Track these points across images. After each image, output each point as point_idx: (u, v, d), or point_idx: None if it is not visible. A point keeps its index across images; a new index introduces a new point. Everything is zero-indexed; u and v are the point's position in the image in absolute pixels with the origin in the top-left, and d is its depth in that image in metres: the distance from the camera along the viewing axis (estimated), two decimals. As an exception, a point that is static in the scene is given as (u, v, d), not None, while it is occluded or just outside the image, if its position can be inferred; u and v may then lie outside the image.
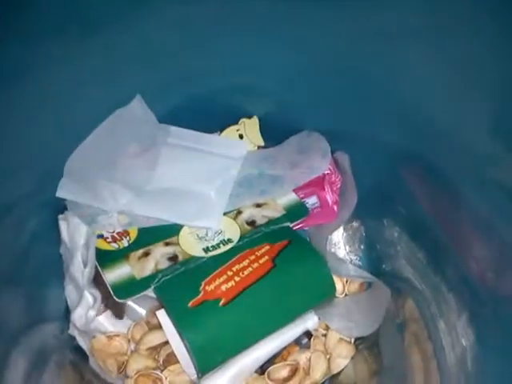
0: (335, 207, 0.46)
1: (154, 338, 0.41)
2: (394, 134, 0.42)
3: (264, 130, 0.49)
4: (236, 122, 0.49)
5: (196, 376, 0.39)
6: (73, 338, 0.42)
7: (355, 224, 0.48)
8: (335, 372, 0.43)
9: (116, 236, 0.42)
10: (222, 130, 0.49)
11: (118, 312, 0.43)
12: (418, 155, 0.40)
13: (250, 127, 0.49)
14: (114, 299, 0.39)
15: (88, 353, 0.42)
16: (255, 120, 0.49)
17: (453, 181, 0.37)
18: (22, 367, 0.36)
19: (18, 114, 0.38)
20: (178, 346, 0.39)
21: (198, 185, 0.45)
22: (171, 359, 0.41)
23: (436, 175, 0.39)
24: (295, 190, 0.46)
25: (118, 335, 0.42)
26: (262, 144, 0.49)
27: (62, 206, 0.43)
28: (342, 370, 0.43)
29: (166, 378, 0.40)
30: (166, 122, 0.48)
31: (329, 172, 0.46)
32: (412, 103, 0.39)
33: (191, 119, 0.48)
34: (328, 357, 0.43)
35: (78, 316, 0.41)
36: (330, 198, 0.46)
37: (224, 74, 0.44)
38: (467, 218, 0.37)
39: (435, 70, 0.36)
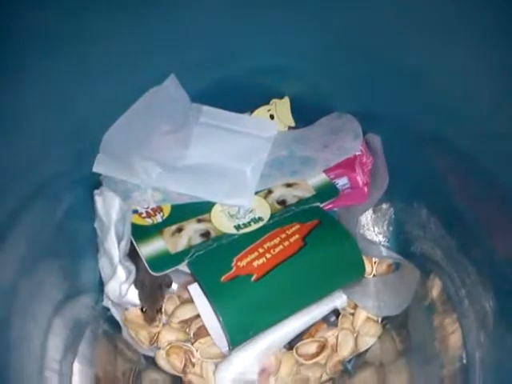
0: (366, 189, 0.46)
1: (186, 312, 0.42)
2: (426, 116, 0.41)
3: (295, 111, 0.49)
4: (267, 103, 0.49)
5: (227, 349, 0.40)
6: (107, 310, 0.43)
7: (385, 206, 0.48)
8: (362, 350, 0.43)
9: (150, 212, 0.43)
10: (253, 110, 0.50)
11: (151, 318, 0.43)
12: (450, 138, 0.40)
13: (281, 108, 0.49)
14: (149, 303, 0.41)
15: (121, 324, 0.43)
16: (286, 100, 0.49)
17: (485, 164, 0.37)
18: (62, 337, 0.38)
19: (55, 89, 0.39)
20: (209, 319, 0.40)
21: (233, 163, 0.46)
22: (202, 332, 0.42)
23: (468, 158, 0.39)
24: (326, 171, 0.47)
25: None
26: (293, 124, 0.50)
27: (96, 182, 0.44)
28: (369, 348, 0.43)
29: (197, 351, 0.42)
30: (198, 101, 0.48)
31: (360, 153, 0.46)
32: (445, 85, 0.39)
33: (223, 99, 0.48)
34: (355, 335, 0.43)
35: (111, 289, 0.42)
36: (360, 179, 0.46)
37: (256, 54, 0.45)
38: (499, 202, 0.37)
39: (470, 49, 0.36)
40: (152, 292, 0.42)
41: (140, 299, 0.42)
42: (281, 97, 0.49)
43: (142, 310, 0.43)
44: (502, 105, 0.35)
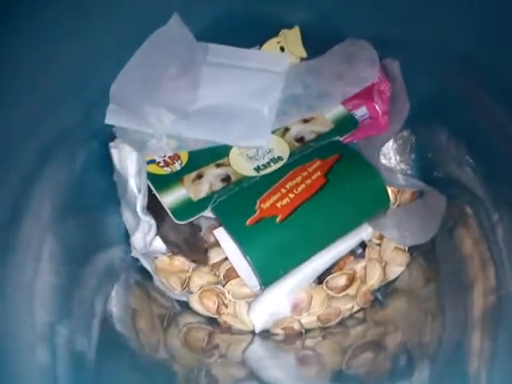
0: (385, 118, 0.45)
1: (214, 256, 0.43)
2: (447, 39, 0.39)
3: (306, 41, 0.47)
4: (276, 34, 0.47)
5: (258, 288, 0.41)
6: (137, 260, 0.44)
7: (405, 133, 0.47)
8: (391, 279, 0.44)
9: (168, 160, 0.43)
10: (262, 44, 0.47)
11: (200, 257, 0.43)
12: (474, 61, 0.38)
13: (292, 38, 0.47)
14: (190, 243, 0.41)
15: (152, 273, 0.44)
16: (296, 30, 0.46)
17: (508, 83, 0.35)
18: (92, 286, 0.38)
19: (56, 40, 0.37)
20: (237, 261, 0.41)
21: (247, 102, 0.44)
22: (231, 274, 0.43)
23: (495, 84, 0.37)
24: (343, 102, 0.45)
25: (178, 254, 0.44)
26: (305, 55, 0.47)
27: (111, 134, 0.43)
28: (398, 277, 0.44)
29: (229, 292, 0.42)
30: (203, 39, 0.46)
31: (378, 81, 0.44)
32: (466, 5, 0.37)
33: (229, 34, 0.46)
34: (383, 264, 0.44)
35: (137, 240, 0.42)
36: (379, 108, 0.45)
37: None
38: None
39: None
40: (195, 240, 0.43)
41: (187, 255, 0.43)
42: (290, 27, 0.46)
43: (193, 261, 0.44)
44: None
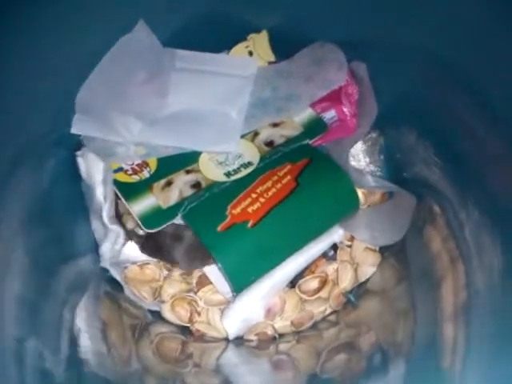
0: (354, 120, 0.45)
1: (186, 263, 0.42)
2: (412, 39, 0.40)
3: (274, 45, 0.47)
4: (244, 39, 0.47)
5: (230, 295, 0.40)
6: (106, 270, 0.43)
7: (374, 135, 0.47)
8: (363, 280, 0.44)
9: (136, 168, 0.42)
10: (230, 49, 0.47)
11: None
12: (441, 61, 0.39)
13: (260, 42, 0.47)
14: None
15: (122, 283, 0.43)
16: (264, 34, 0.46)
17: (480, 88, 0.36)
18: (59, 299, 0.37)
19: (19, 48, 0.37)
20: (209, 268, 0.41)
21: (215, 107, 0.44)
22: (203, 281, 0.42)
23: (462, 82, 0.38)
24: (312, 106, 0.45)
25: (148, 263, 0.43)
26: (273, 59, 0.47)
27: (78, 143, 0.42)
28: (370, 277, 0.44)
29: (201, 299, 0.42)
30: (171, 45, 0.46)
31: (345, 83, 0.45)
32: (433, 5, 0.37)
33: (197, 40, 0.46)
34: (354, 266, 0.44)
35: (106, 250, 0.42)
36: (348, 110, 0.45)
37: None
38: (494, 128, 0.36)
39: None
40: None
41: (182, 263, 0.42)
42: (258, 31, 0.46)
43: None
44: (496, 17, 0.33)
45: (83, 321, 0.38)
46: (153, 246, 0.41)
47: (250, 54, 0.47)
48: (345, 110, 0.45)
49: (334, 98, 0.45)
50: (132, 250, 0.43)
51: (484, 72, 0.35)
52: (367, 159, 0.48)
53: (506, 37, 0.33)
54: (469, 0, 0.36)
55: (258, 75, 0.46)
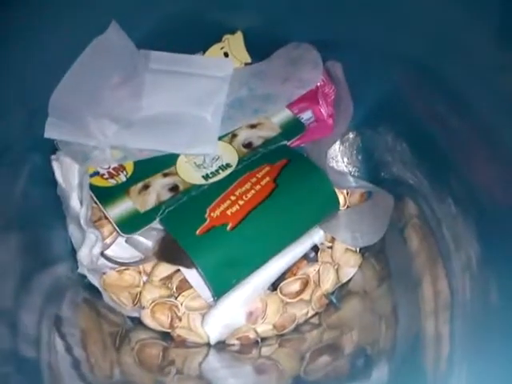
0: (331, 120, 0.45)
1: (165, 269, 0.41)
2: (389, 39, 0.40)
3: (250, 46, 0.46)
4: (219, 40, 0.46)
5: (212, 299, 0.40)
6: (84, 277, 0.42)
7: (351, 135, 0.47)
8: (344, 281, 0.44)
9: (112, 172, 0.41)
10: (205, 50, 0.47)
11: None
12: (417, 60, 0.39)
13: (235, 43, 0.46)
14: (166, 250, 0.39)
15: (100, 289, 0.42)
16: (239, 35, 0.46)
17: (455, 87, 0.36)
18: (36, 307, 0.36)
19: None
20: (190, 273, 0.40)
21: (191, 109, 0.44)
22: (184, 285, 0.42)
23: (437, 83, 0.38)
24: (289, 106, 0.45)
25: (127, 269, 0.43)
26: (249, 60, 0.47)
27: (53, 147, 0.42)
28: (351, 278, 0.44)
29: (182, 304, 0.41)
30: (145, 47, 0.45)
31: (322, 84, 0.45)
32: (409, 7, 0.37)
33: (171, 41, 0.45)
34: (336, 267, 0.44)
35: (83, 255, 0.41)
36: (324, 111, 0.45)
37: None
38: (469, 126, 0.36)
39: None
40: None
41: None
42: (233, 32, 0.46)
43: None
44: (471, 20, 0.34)
45: (61, 329, 0.37)
46: (168, 252, 0.41)
47: (226, 55, 0.47)
48: (322, 110, 0.45)
49: (311, 99, 0.45)
50: (110, 255, 0.43)
51: (460, 73, 0.36)
52: (345, 160, 0.48)
53: (480, 40, 0.34)
54: (446, 6, 0.36)
55: (234, 76, 0.46)
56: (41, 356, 0.33)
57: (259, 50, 0.47)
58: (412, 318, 0.36)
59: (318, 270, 0.43)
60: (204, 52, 0.47)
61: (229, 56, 0.47)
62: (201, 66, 0.46)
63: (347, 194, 0.46)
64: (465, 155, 0.37)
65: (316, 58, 0.45)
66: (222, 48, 0.47)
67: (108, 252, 0.43)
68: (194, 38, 0.45)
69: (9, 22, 0.36)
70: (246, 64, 0.47)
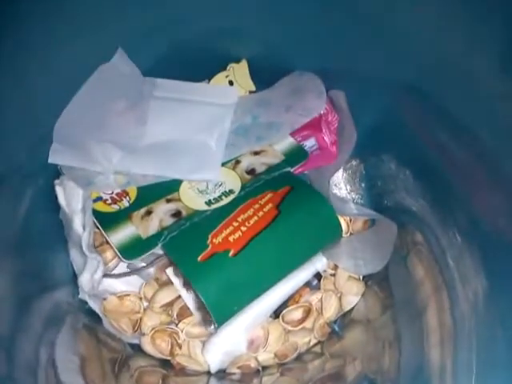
0: (334, 148, 0.45)
1: (166, 295, 0.41)
2: (390, 68, 0.40)
3: (254, 74, 0.47)
4: (224, 68, 0.47)
5: (212, 327, 0.39)
6: (85, 302, 0.41)
7: (354, 162, 0.48)
8: (347, 309, 0.44)
9: (115, 197, 0.42)
10: (210, 78, 0.48)
11: None
12: (419, 89, 0.39)
13: (240, 72, 0.47)
14: None
15: (101, 315, 0.42)
16: (244, 64, 0.47)
17: (457, 115, 0.36)
18: (35, 332, 0.36)
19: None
20: (191, 300, 0.40)
21: (196, 136, 0.44)
22: (184, 312, 0.41)
23: (439, 111, 0.38)
24: (292, 134, 0.45)
25: (128, 295, 0.42)
26: (253, 89, 0.48)
27: (57, 171, 0.42)
28: (354, 307, 0.44)
29: (182, 331, 0.41)
30: (150, 74, 0.46)
31: (325, 112, 0.45)
32: (407, 31, 0.38)
33: (177, 69, 0.46)
34: (338, 295, 0.43)
35: (85, 280, 0.41)
36: (328, 138, 0.45)
37: (205, 18, 0.42)
38: (472, 154, 0.36)
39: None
40: None
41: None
42: (238, 60, 0.47)
43: None
44: (472, 48, 0.34)
45: (60, 356, 0.36)
46: None
47: (231, 83, 0.47)
48: (325, 138, 0.45)
49: (314, 127, 0.45)
50: (111, 281, 0.42)
51: (462, 101, 0.36)
52: (348, 187, 0.48)
53: (482, 67, 0.34)
54: (447, 34, 0.37)
55: (239, 104, 0.46)
56: (38, 382, 0.33)
57: (263, 78, 0.47)
58: (416, 347, 0.36)
59: (321, 298, 0.43)
60: (209, 80, 0.48)
61: (233, 84, 0.47)
62: (206, 94, 0.47)
63: (350, 221, 0.46)
64: (468, 183, 0.37)
65: (320, 87, 0.45)
66: (226, 76, 0.47)
67: (109, 279, 0.42)
68: (199, 66, 0.46)
69: (15, 49, 0.37)
70: (251, 92, 0.48)
